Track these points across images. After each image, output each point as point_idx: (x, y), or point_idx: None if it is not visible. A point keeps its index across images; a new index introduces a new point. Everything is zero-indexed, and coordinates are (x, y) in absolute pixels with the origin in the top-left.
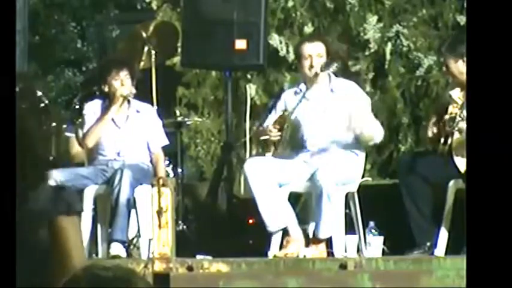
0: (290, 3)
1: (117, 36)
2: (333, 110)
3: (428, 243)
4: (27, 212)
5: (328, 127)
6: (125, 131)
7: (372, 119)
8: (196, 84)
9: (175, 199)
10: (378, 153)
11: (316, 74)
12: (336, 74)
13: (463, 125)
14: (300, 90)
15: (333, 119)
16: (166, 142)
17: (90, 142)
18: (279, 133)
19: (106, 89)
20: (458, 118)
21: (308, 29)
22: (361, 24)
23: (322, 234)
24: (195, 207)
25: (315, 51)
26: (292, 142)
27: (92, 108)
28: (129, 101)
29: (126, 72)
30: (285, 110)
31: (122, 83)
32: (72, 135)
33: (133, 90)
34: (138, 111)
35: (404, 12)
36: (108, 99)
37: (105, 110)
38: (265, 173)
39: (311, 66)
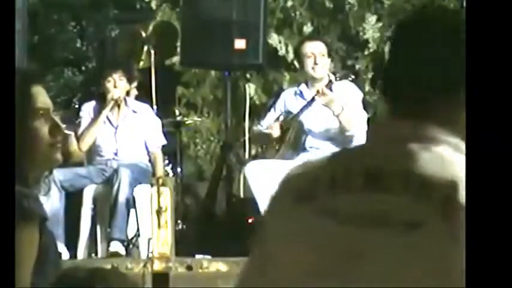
0: (289, 3)
1: (117, 36)
2: (331, 111)
3: None
4: None
5: (328, 127)
6: (121, 131)
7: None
8: (196, 83)
9: (175, 199)
10: None
11: (319, 73)
12: (335, 74)
13: None
14: (300, 91)
15: (332, 120)
16: (163, 142)
17: (84, 144)
18: (282, 136)
19: (101, 91)
20: None
21: (307, 28)
22: (361, 23)
23: None
24: (195, 206)
25: (317, 50)
26: (295, 144)
27: (87, 110)
28: (126, 102)
29: (121, 74)
30: (288, 113)
31: (115, 85)
32: (71, 132)
33: (134, 91)
34: (134, 111)
35: (404, 12)
36: (103, 101)
37: (98, 111)
38: (266, 177)
39: (315, 64)
